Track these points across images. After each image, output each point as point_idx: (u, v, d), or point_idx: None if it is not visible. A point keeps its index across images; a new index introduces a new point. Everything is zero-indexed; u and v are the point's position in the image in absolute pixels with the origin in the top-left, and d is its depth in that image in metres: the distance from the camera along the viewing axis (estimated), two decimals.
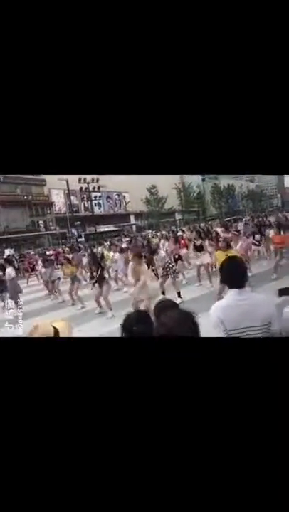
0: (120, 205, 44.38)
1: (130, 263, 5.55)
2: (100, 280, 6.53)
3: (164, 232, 21.33)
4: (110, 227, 36.80)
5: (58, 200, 36.75)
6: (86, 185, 28.81)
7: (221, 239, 6.14)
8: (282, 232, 7.43)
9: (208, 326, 1.68)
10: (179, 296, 6.50)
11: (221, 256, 5.45)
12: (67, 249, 17.83)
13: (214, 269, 7.21)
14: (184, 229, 20.83)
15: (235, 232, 8.82)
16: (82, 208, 38.39)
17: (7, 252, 21.97)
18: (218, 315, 1.79)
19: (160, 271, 7.04)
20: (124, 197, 44.17)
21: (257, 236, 8.94)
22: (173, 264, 6.94)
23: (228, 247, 5.44)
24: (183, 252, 9.67)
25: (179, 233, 13.64)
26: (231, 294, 1.83)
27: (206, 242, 7.79)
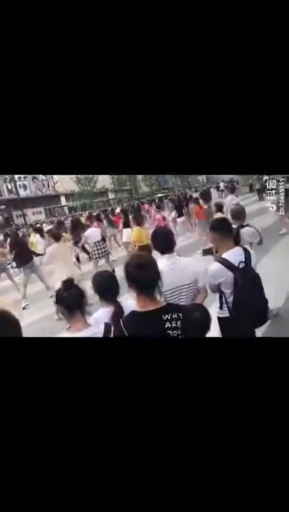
0: (48, 186, 42.03)
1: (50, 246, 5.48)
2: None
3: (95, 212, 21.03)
4: (40, 210, 34.94)
5: None
6: None
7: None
8: (203, 205, 7.62)
9: None
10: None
11: (136, 231, 5.86)
12: None
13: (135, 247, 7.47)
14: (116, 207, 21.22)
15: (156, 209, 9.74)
16: (6, 191, 35.51)
17: None
18: None
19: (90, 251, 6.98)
20: (52, 176, 41.86)
21: (173, 213, 10.13)
22: (102, 244, 6.92)
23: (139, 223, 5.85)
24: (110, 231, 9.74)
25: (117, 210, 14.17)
26: (162, 261, 1.98)
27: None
